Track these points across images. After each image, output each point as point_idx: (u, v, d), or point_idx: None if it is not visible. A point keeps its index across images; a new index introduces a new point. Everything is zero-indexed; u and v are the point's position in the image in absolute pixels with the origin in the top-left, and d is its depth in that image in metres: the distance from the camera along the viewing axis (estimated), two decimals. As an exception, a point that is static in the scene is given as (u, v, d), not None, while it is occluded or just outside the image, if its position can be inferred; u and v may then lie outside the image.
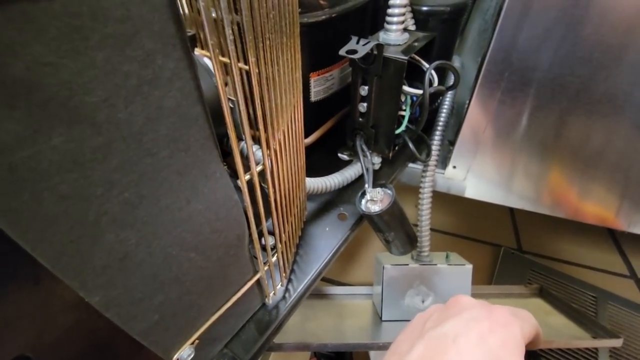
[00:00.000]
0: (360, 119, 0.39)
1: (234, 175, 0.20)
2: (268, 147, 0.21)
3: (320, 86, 0.43)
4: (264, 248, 0.26)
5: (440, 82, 0.46)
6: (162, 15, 0.12)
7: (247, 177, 0.20)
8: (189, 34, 0.23)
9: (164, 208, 0.16)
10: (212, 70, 0.28)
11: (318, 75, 0.41)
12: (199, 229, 0.19)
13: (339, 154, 0.41)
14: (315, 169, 0.44)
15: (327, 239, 0.39)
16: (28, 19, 0.09)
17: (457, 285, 0.47)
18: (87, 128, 0.12)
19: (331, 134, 0.47)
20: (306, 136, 0.44)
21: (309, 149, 0.47)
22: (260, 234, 0.24)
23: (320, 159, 0.47)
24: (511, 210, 0.81)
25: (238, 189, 0.20)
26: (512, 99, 0.41)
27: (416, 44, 0.35)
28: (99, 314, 0.16)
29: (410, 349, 0.20)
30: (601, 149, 0.43)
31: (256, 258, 0.26)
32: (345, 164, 0.45)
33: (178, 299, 0.20)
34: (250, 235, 0.23)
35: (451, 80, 0.54)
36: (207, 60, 0.28)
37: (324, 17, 0.37)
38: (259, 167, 0.20)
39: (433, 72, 0.39)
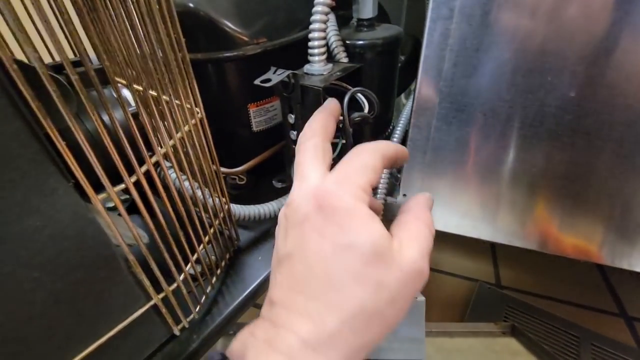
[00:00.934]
0: (293, 146, 0.40)
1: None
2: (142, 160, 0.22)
3: (261, 117, 0.44)
4: (157, 274, 0.26)
5: (385, 108, 0.47)
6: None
7: (103, 195, 0.20)
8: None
9: (-17, 222, 0.16)
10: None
11: (257, 106, 0.43)
12: (40, 247, 0.18)
13: (273, 182, 0.41)
14: (261, 197, 0.44)
15: (258, 268, 0.38)
16: None
17: (410, 320, 0.44)
18: None
19: (277, 163, 0.48)
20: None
21: (256, 178, 0.48)
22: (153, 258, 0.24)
23: (267, 188, 0.48)
24: (492, 243, 0.78)
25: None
26: (448, 125, 0.41)
27: (338, 73, 0.36)
28: None
29: (274, 283, 0.19)
30: (557, 175, 0.41)
31: (153, 277, 0.25)
32: (287, 191, 0.44)
33: (26, 322, 0.19)
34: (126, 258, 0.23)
35: (407, 107, 0.55)
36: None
37: (257, 50, 0.38)
38: (120, 187, 0.21)
39: (364, 99, 0.39)
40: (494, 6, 0.33)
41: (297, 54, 0.44)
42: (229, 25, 0.38)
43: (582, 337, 0.55)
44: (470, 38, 0.35)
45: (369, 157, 0.20)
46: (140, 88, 0.21)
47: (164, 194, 0.24)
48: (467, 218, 0.49)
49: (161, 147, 0.24)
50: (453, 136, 0.42)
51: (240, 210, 0.37)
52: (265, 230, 0.42)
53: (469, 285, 0.68)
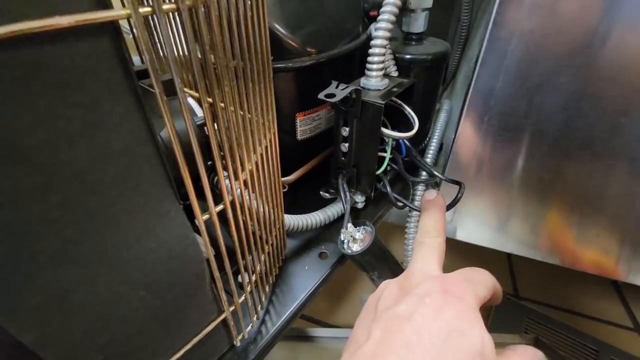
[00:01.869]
0: (343, 159, 0.40)
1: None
2: (236, 179, 0.22)
3: (306, 125, 0.44)
4: (232, 288, 0.26)
5: (426, 119, 0.48)
6: (108, 64, 0.13)
7: (206, 216, 0.20)
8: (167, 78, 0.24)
9: (111, 246, 0.16)
10: (191, 107, 0.30)
11: (304, 115, 0.43)
12: (150, 267, 0.18)
13: (321, 192, 0.41)
14: (300, 205, 0.44)
15: (306, 278, 0.38)
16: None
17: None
18: (25, 167, 0.12)
19: (319, 171, 0.48)
20: (291, 173, 0.45)
21: (295, 186, 0.48)
22: (225, 272, 0.24)
23: (306, 196, 0.48)
24: (508, 254, 0.79)
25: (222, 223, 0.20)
26: (494, 141, 0.41)
27: (395, 89, 0.36)
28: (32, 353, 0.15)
29: (368, 336, 0.20)
30: (588, 194, 0.42)
31: (230, 295, 0.25)
32: (329, 201, 0.45)
33: (127, 339, 0.19)
34: (212, 274, 0.23)
35: (440, 118, 0.56)
36: (190, 100, 0.30)
37: (309, 62, 0.38)
38: (219, 207, 0.21)
39: (413, 114, 0.40)
40: (554, 32, 0.34)
41: (345, 64, 0.45)
42: (287, 35, 0.38)
43: (602, 351, 0.56)
44: (527, 60, 0.35)
45: (489, 279, 0.22)
46: (242, 111, 0.21)
47: (247, 211, 0.24)
48: (501, 232, 0.49)
49: (249, 162, 0.24)
50: (497, 152, 0.42)
51: (290, 220, 0.38)
52: (308, 239, 0.42)
53: (487, 294, 0.69)
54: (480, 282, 0.21)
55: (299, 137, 0.44)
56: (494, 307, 0.64)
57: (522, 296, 0.69)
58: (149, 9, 0.13)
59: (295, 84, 0.40)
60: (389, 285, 0.23)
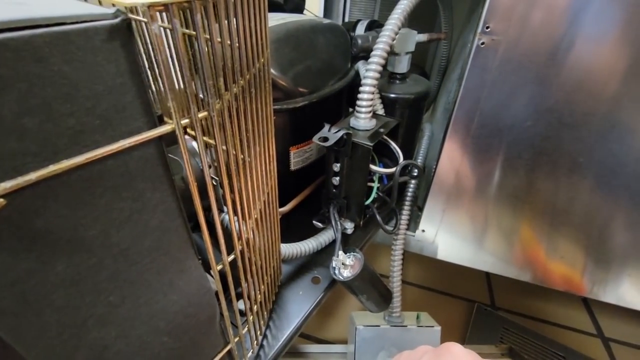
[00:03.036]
0: (334, 190, 0.43)
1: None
2: (245, 223, 0.25)
3: (299, 157, 0.47)
4: (237, 322, 0.28)
5: (409, 150, 0.51)
6: (153, 164, 0.16)
7: (220, 266, 0.23)
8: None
9: (143, 303, 0.19)
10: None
11: (297, 148, 0.46)
12: (172, 316, 0.21)
13: (314, 222, 0.44)
14: (292, 231, 0.47)
15: (300, 303, 0.41)
16: (50, 190, 0.13)
17: (427, 347, 0.49)
18: (85, 254, 0.15)
19: (309, 199, 0.51)
20: (285, 203, 0.47)
21: (287, 213, 0.51)
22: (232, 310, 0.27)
23: (297, 223, 0.51)
24: (485, 264, 0.85)
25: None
26: (472, 163, 0.46)
27: (382, 129, 0.40)
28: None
29: None
30: (566, 210, 0.46)
31: (235, 326, 0.28)
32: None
33: (148, 380, 0.22)
34: (221, 312, 0.26)
35: (423, 142, 0.60)
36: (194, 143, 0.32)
37: (302, 103, 0.42)
38: (231, 257, 0.23)
39: (398, 149, 0.44)
40: (534, 64, 0.37)
41: (334, 100, 0.48)
42: (281, 77, 0.41)
43: (568, 357, 0.62)
44: (507, 88, 0.39)
45: None
46: (249, 158, 0.24)
47: (252, 251, 0.27)
48: (484, 252, 0.54)
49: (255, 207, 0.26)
50: (478, 174, 0.46)
51: (286, 249, 0.40)
52: (301, 264, 0.45)
53: (465, 305, 0.74)
54: None
55: (292, 167, 0.47)
56: (472, 318, 0.69)
57: (498, 306, 0.74)
58: (187, 120, 0.16)
59: (289, 122, 0.43)
60: (427, 353, 0.24)
